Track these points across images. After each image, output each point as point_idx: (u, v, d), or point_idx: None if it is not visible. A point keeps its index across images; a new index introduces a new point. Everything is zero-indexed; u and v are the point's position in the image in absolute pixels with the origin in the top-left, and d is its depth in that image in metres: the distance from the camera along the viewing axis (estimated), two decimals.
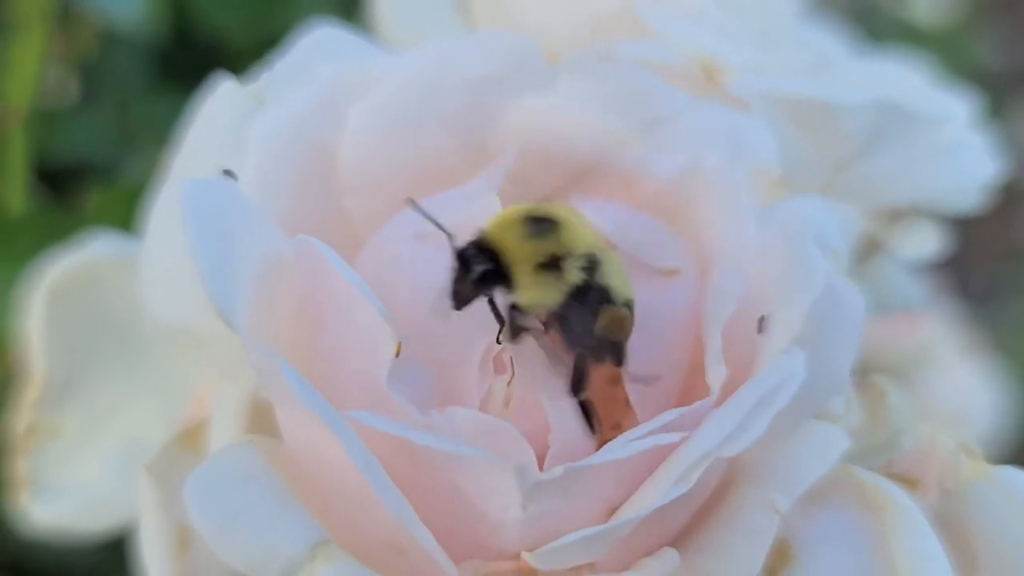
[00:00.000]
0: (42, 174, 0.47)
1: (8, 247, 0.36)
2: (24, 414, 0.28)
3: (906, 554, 0.23)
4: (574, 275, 0.22)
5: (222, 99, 0.25)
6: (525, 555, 0.21)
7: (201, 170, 0.25)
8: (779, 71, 0.27)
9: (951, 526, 0.25)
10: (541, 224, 0.22)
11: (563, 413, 0.21)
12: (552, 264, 0.22)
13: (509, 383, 0.22)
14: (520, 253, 0.22)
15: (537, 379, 0.22)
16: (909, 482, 0.25)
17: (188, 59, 0.49)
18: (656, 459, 0.21)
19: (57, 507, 0.28)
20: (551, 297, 0.22)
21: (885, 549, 0.23)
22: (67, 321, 0.28)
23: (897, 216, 0.30)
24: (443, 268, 0.22)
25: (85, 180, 0.47)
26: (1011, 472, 0.25)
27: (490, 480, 0.20)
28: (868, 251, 0.29)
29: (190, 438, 0.25)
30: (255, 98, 0.25)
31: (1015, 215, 1.20)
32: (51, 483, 0.28)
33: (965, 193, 0.30)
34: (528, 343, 0.22)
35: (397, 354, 0.21)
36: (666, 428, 0.20)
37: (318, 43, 0.25)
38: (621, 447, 0.20)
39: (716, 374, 0.21)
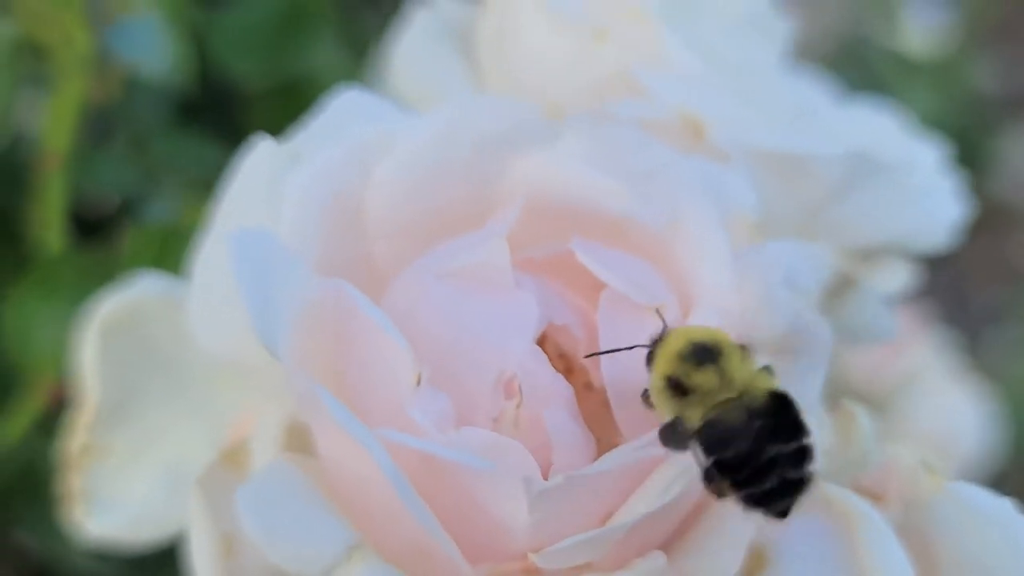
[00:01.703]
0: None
1: (50, 282, 0.40)
2: (78, 436, 0.32)
3: (873, 559, 0.27)
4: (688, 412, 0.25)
5: (261, 156, 0.29)
6: (532, 556, 0.24)
7: (242, 221, 0.29)
8: (759, 125, 0.31)
9: (913, 537, 0.29)
10: (702, 352, 0.25)
11: (564, 432, 0.25)
12: (679, 390, 0.25)
13: (518, 406, 0.25)
14: (660, 366, 0.25)
15: (542, 402, 0.25)
16: (874, 496, 0.29)
17: (206, 102, 0.53)
18: (644, 472, 0.24)
19: (108, 520, 0.32)
20: (664, 415, 0.25)
21: (854, 555, 0.27)
22: (117, 352, 0.32)
23: (869, 255, 0.34)
24: (459, 302, 0.26)
25: (110, 217, 0.51)
26: (966, 487, 0.28)
27: (501, 490, 0.24)
28: (842, 287, 0.33)
29: (233, 457, 0.29)
30: (290, 155, 0.29)
31: (1013, 239, 1.23)
32: (103, 498, 0.32)
33: (932, 234, 0.34)
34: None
35: (418, 382, 0.25)
36: (653, 444, 0.24)
37: (346, 106, 0.29)
38: (613, 459, 0.24)
39: None
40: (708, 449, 0.24)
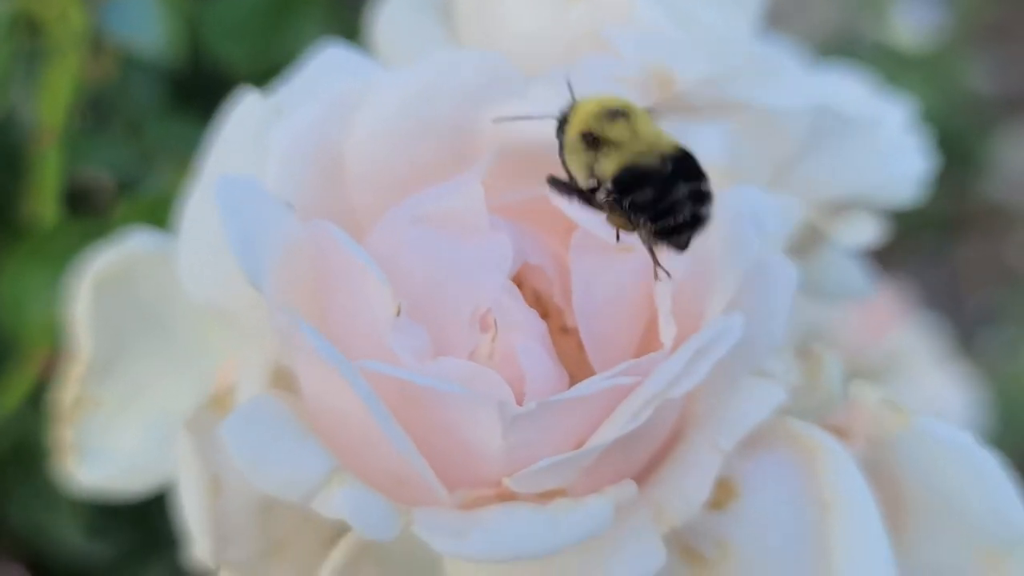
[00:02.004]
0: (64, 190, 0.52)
1: (44, 253, 0.42)
2: (71, 388, 0.33)
3: (834, 488, 0.28)
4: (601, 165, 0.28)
5: (247, 109, 0.30)
6: (506, 480, 0.25)
7: (230, 170, 0.30)
8: (728, 80, 0.32)
9: (879, 473, 0.30)
10: (614, 112, 0.28)
11: (537, 364, 0.26)
12: (594, 143, 0.28)
13: (493, 339, 0.27)
14: (576, 124, 0.28)
15: (516, 335, 0.27)
16: (839, 432, 0.30)
17: (198, 86, 0.54)
18: (615, 400, 0.26)
19: (99, 470, 0.33)
20: (576, 171, 0.28)
21: (816, 485, 0.28)
22: (109, 307, 0.33)
23: (838, 208, 0.35)
24: (436, 243, 0.27)
25: (105, 196, 0.52)
26: (931, 422, 0.29)
27: (476, 415, 0.25)
28: (812, 241, 0.34)
29: (220, 402, 0.30)
30: (275, 109, 0.30)
31: (1008, 240, 1.24)
32: (94, 449, 0.33)
33: (898, 188, 0.35)
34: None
35: (397, 314, 0.26)
36: (623, 373, 0.25)
37: (328, 61, 0.31)
38: (585, 386, 0.25)
39: (667, 330, 0.26)
40: (625, 190, 0.27)
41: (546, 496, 0.26)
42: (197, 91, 0.55)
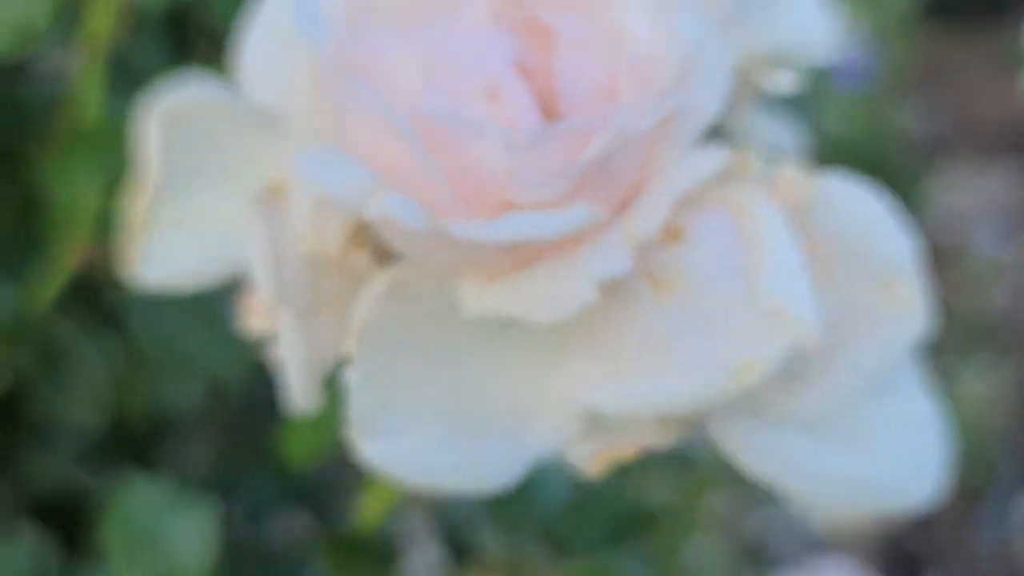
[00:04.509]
0: None
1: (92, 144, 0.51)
2: (138, 212, 0.42)
3: (761, 228, 0.37)
4: None
5: None
6: (510, 194, 0.35)
7: None
8: None
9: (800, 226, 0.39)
10: None
11: (530, 117, 0.36)
12: None
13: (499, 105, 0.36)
14: None
15: (518, 101, 0.36)
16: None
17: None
18: (590, 136, 0.35)
19: (159, 272, 0.42)
20: None
21: (748, 227, 0.37)
22: (173, 140, 0.42)
23: (765, 62, 0.45)
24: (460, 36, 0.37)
25: None
26: (835, 181, 0.39)
27: (486, 141, 0.34)
28: (744, 90, 0.44)
29: (275, 192, 0.39)
30: None
31: (937, 279, 1.35)
32: (156, 256, 0.42)
33: (812, 48, 0.45)
34: None
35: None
36: (595, 115, 0.35)
37: None
38: (570, 121, 0.35)
39: (630, 86, 0.36)
40: None
41: (542, 206, 0.35)
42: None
